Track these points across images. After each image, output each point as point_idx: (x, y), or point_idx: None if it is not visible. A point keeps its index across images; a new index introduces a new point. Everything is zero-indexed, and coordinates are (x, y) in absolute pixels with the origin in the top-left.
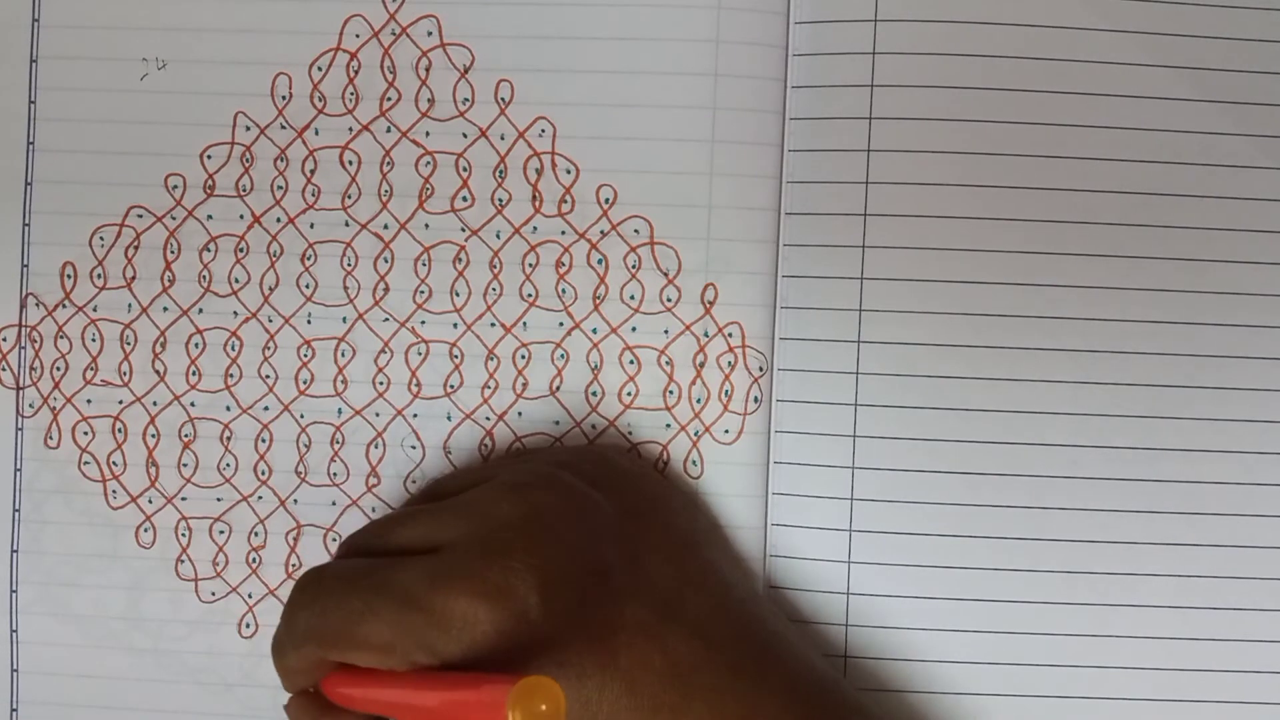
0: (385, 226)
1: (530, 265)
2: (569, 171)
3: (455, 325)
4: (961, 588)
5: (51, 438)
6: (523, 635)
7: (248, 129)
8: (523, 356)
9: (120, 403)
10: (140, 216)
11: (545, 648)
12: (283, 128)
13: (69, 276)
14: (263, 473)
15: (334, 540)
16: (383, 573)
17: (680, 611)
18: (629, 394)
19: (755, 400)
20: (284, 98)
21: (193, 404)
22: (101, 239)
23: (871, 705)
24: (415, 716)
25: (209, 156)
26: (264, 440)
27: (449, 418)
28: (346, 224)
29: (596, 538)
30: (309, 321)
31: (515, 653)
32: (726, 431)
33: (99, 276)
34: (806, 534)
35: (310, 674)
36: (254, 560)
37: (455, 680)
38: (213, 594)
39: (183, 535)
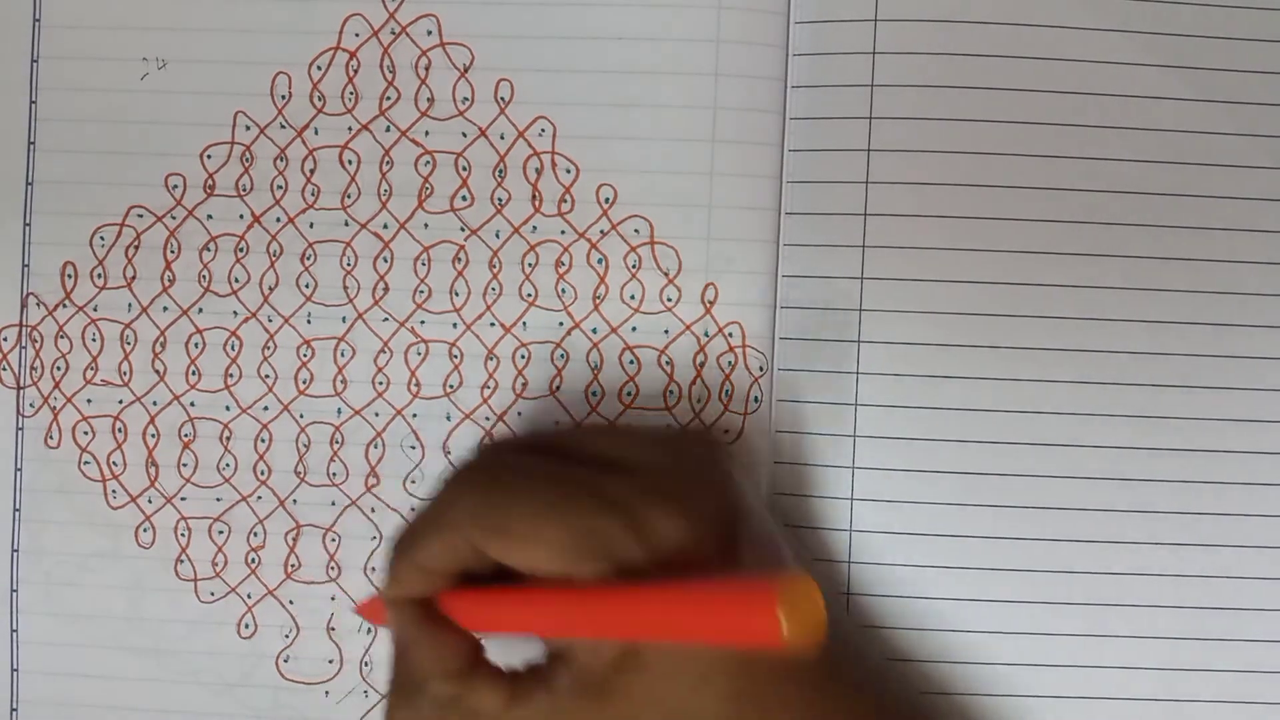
0: (385, 226)
1: (530, 265)
2: (569, 171)
3: (455, 325)
4: (961, 588)
5: (52, 437)
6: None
7: (247, 128)
8: (522, 356)
9: (120, 402)
10: (140, 216)
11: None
12: (282, 127)
13: (69, 276)
14: (262, 473)
15: (333, 540)
16: (581, 472)
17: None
18: (629, 394)
19: (755, 400)
20: (283, 97)
21: (192, 404)
22: (102, 239)
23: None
24: (589, 624)
25: (209, 156)
26: (263, 440)
27: (448, 418)
28: (346, 223)
29: (738, 520)
30: (309, 321)
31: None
32: (727, 431)
33: (99, 276)
34: (806, 534)
35: (433, 579)
36: (253, 560)
37: (677, 588)
38: (212, 594)
39: (182, 535)
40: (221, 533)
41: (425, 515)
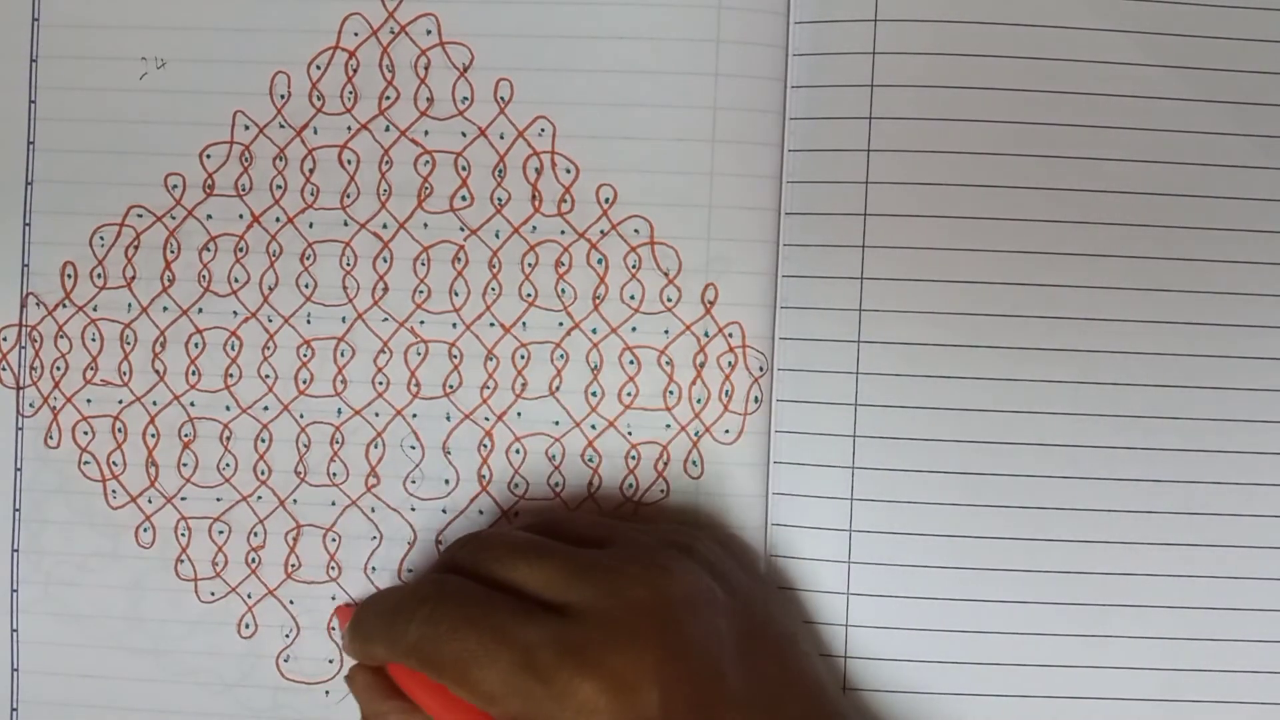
0: (384, 226)
1: (530, 265)
2: (569, 171)
3: (454, 325)
4: (961, 588)
5: (51, 437)
6: None
7: (247, 128)
8: (522, 356)
9: (120, 402)
10: (140, 216)
11: None
12: (281, 127)
13: (69, 276)
14: (262, 473)
15: (333, 540)
16: (509, 622)
17: (779, 716)
18: (629, 394)
19: (755, 400)
20: (283, 96)
21: (192, 404)
22: (101, 239)
23: None
24: None
25: (208, 156)
26: (264, 440)
27: (448, 418)
28: (345, 223)
29: (716, 634)
30: (308, 321)
31: None
32: (727, 432)
33: (99, 276)
34: (806, 534)
35: (383, 664)
36: (253, 560)
37: None
38: (212, 594)
39: (182, 535)
40: (221, 533)
41: (374, 621)
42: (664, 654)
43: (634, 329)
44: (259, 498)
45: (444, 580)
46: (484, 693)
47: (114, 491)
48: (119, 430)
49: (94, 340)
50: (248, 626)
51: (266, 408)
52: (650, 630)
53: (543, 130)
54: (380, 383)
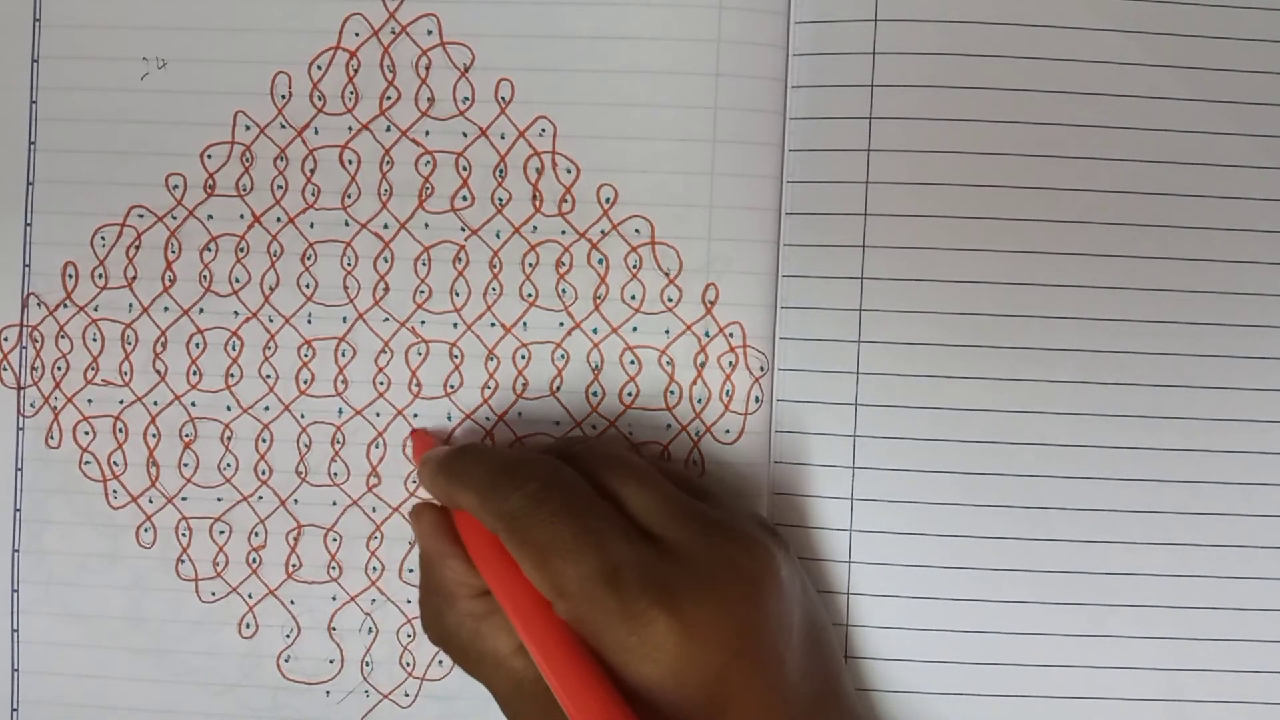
0: (385, 226)
1: (530, 265)
2: (569, 171)
3: (455, 325)
4: (961, 588)
5: (52, 437)
6: (666, 683)
7: (247, 128)
8: (523, 356)
9: (121, 402)
10: (141, 216)
11: (678, 704)
12: (282, 127)
13: (70, 276)
14: (263, 473)
15: (334, 540)
16: (607, 530)
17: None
18: (630, 394)
19: (756, 400)
20: (283, 97)
21: (193, 404)
22: (102, 239)
23: None
24: (519, 623)
25: (209, 156)
26: (264, 440)
27: (449, 418)
28: (346, 223)
29: (789, 624)
30: (309, 321)
31: (645, 688)
32: (728, 432)
33: (100, 276)
34: (807, 533)
35: (456, 509)
36: (254, 560)
37: (581, 666)
38: (213, 594)
39: (183, 535)
40: (222, 533)
41: (486, 470)
42: (743, 625)
43: (635, 329)
44: (260, 498)
45: (559, 467)
46: (558, 584)
47: (115, 491)
48: (120, 430)
49: (95, 340)
50: (248, 626)
51: (267, 408)
52: (738, 596)
53: (543, 130)
54: (381, 383)
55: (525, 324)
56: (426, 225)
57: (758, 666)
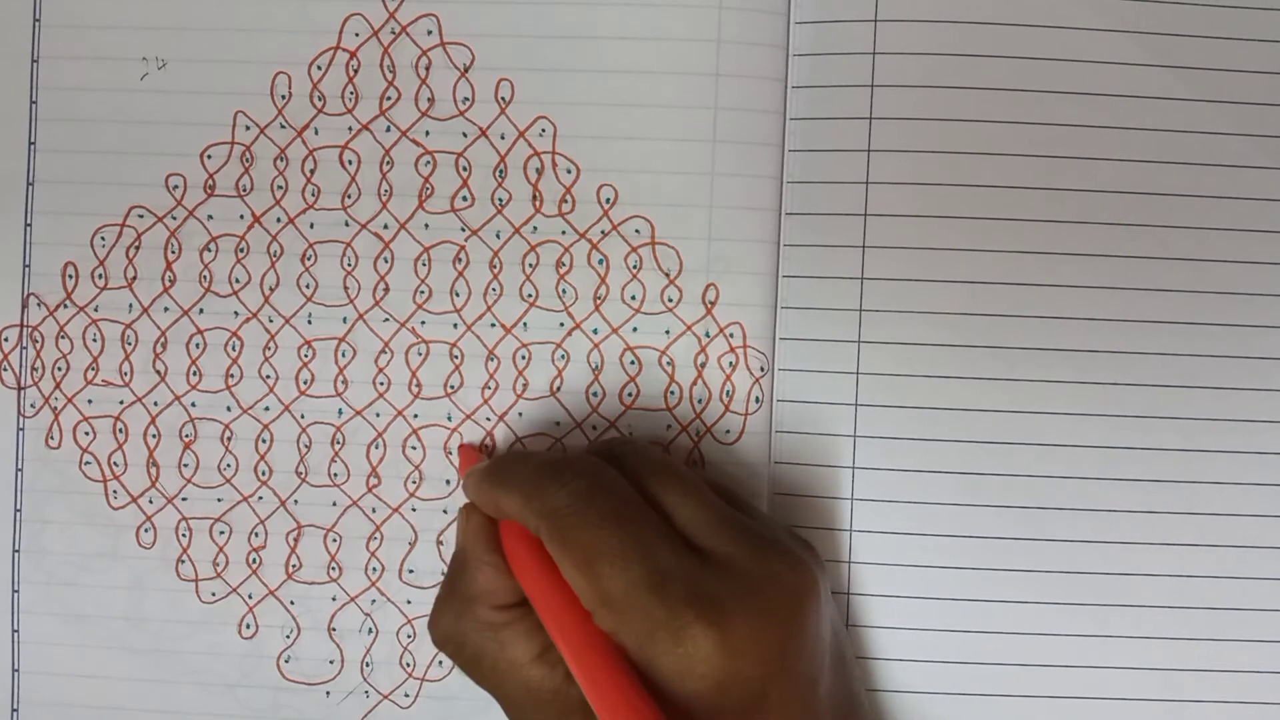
0: (385, 226)
1: (530, 265)
2: (569, 171)
3: (455, 325)
4: (961, 588)
5: (53, 438)
6: (708, 698)
7: (247, 128)
8: (523, 357)
9: (121, 403)
10: (141, 216)
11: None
12: (282, 127)
13: (70, 277)
14: (263, 473)
15: (334, 541)
16: (655, 539)
17: None
18: (630, 394)
19: (756, 400)
20: (283, 97)
21: (193, 404)
22: (103, 239)
23: None
24: (556, 632)
25: (209, 156)
26: (264, 440)
27: (449, 418)
28: (346, 224)
29: (824, 640)
30: (309, 321)
31: (685, 702)
32: (728, 432)
33: (100, 277)
34: (807, 535)
35: (502, 518)
36: (254, 561)
37: (620, 678)
38: (213, 594)
39: (183, 535)
40: (222, 533)
41: (518, 469)
42: (785, 642)
43: (635, 329)
44: (260, 498)
45: (603, 468)
46: (604, 590)
47: (115, 492)
48: (120, 431)
49: (95, 341)
50: (248, 627)
51: (267, 408)
52: (782, 613)
53: (543, 130)
54: (381, 383)
55: (525, 324)
56: (426, 225)
57: (796, 683)
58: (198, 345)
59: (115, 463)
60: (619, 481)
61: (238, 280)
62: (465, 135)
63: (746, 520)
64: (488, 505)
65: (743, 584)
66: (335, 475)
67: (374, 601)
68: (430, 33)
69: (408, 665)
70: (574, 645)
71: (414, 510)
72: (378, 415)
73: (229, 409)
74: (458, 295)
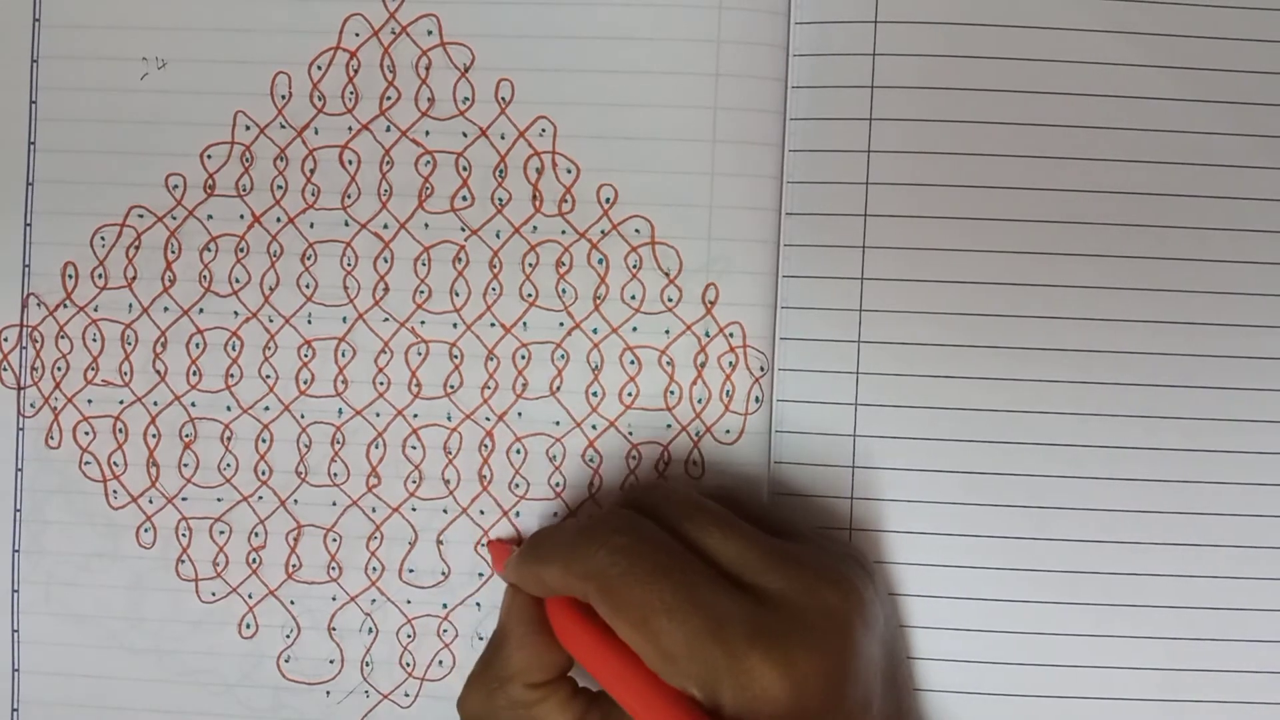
0: (385, 226)
1: (530, 265)
2: (569, 171)
3: (455, 325)
4: (961, 587)
5: (52, 438)
6: None
7: (247, 128)
8: (523, 357)
9: (121, 403)
10: (141, 216)
11: None
12: (282, 127)
13: (70, 276)
14: (263, 473)
15: (334, 540)
16: (704, 586)
17: None
18: (630, 394)
19: (756, 400)
20: (283, 97)
21: (193, 404)
22: (102, 239)
23: None
24: (626, 698)
25: (209, 156)
26: (264, 440)
27: (449, 418)
28: (346, 224)
29: (874, 660)
30: (309, 321)
31: None
32: (728, 432)
33: (100, 276)
34: None
35: (549, 591)
36: (254, 561)
37: None
38: (213, 594)
39: (183, 535)
40: (222, 533)
41: (551, 539)
42: (843, 671)
43: (635, 329)
44: (260, 498)
45: (640, 521)
46: (664, 646)
47: (115, 492)
48: (120, 430)
49: (95, 340)
50: (248, 627)
51: (267, 408)
52: (836, 643)
53: (543, 130)
54: (381, 383)
55: (525, 324)
56: (426, 225)
57: (856, 708)
58: (198, 345)
59: (115, 463)
60: (658, 533)
61: (238, 280)
62: (465, 135)
63: (789, 547)
64: (530, 583)
65: (798, 619)
66: (335, 475)
67: (374, 601)
68: (430, 33)
69: (407, 665)
70: (649, 706)
71: (414, 510)
72: (377, 415)
73: (229, 409)
74: (457, 295)
